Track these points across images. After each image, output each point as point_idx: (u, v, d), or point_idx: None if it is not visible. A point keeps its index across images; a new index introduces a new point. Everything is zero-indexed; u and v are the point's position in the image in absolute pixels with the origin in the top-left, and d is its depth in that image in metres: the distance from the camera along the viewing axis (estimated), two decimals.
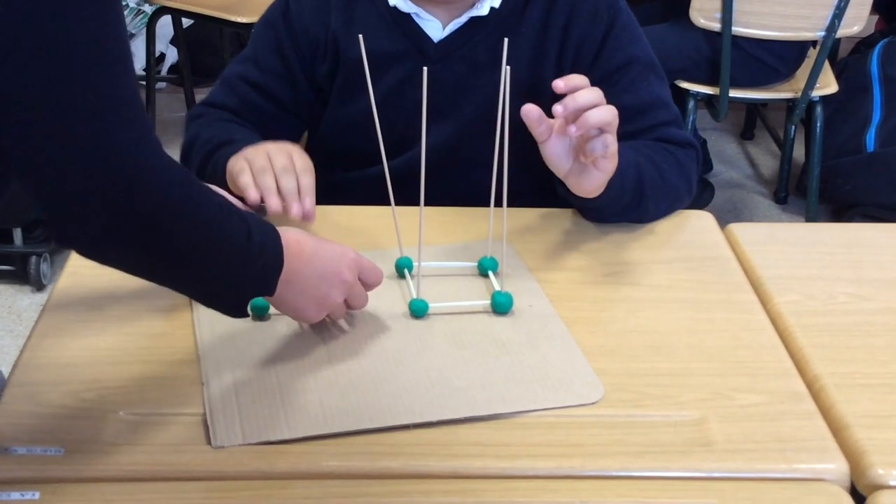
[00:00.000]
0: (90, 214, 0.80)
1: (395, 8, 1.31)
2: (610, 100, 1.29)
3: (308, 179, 1.17)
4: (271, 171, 1.16)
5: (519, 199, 1.19)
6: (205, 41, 3.68)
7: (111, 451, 0.92)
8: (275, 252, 0.95)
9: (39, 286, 2.57)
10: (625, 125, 1.30)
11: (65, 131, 0.77)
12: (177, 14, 3.23)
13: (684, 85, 2.70)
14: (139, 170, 0.80)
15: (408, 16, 1.32)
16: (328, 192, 1.29)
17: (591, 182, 1.16)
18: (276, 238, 0.96)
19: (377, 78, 1.23)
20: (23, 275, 2.58)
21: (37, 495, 0.87)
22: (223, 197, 0.93)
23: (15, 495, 0.87)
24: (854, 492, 0.94)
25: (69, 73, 0.75)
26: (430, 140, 1.31)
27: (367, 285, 1.07)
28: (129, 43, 0.81)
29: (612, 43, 1.34)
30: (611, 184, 1.18)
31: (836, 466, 0.94)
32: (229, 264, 0.91)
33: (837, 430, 0.98)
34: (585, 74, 1.32)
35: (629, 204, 1.26)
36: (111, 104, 0.78)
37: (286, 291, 0.98)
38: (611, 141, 1.11)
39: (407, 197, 1.16)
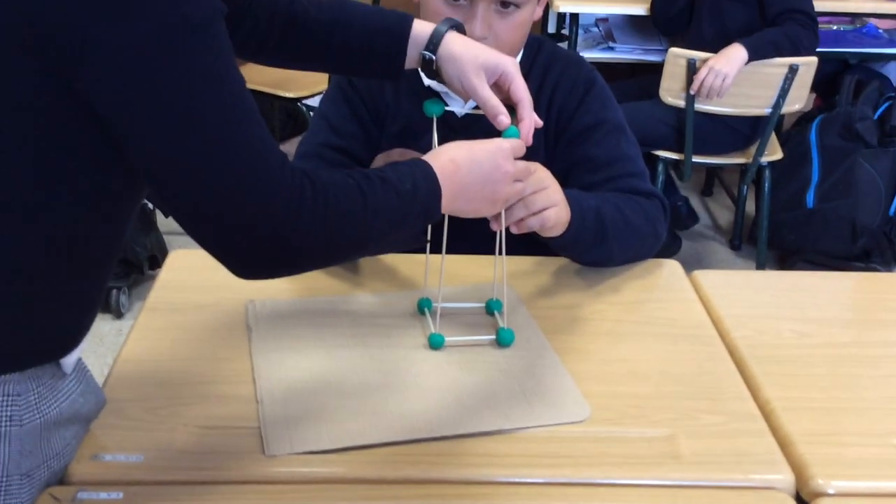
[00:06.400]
0: (278, 256, 0.82)
1: (429, 87, 1.30)
2: (581, 153, 1.30)
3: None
4: None
5: (519, 246, 1.19)
6: None
7: (182, 458, 0.92)
8: (429, 187, 0.91)
9: (119, 314, 2.56)
10: (593, 174, 1.32)
11: (222, 194, 0.77)
12: None
13: (656, 152, 2.70)
14: (283, 206, 0.79)
15: (437, 93, 1.31)
16: None
17: (546, 232, 1.16)
18: (428, 171, 0.91)
19: (414, 143, 1.23)
20: (105, 305, 2.58)
21: (120, 495, 0.88)
22: (363, 174, 0.88)
23: (102, 495, 0.88)
24: (799, 499, 0.94)
25: (211, 140, 0.76)
26: None
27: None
28: (248, 93, 0.80)
29: (585, 107, 1.34)
30: (571, 225, 1.17)
31: (784, 477, 0.94)
32: (393, 224, 0.88)
33: (785, 446, 0.98)
34: (562, 134, 1.34)
35: (593, 242, 1.23)
36: (247, 158, 0.78)
37: (456, 204, 0.95)
38: (537, 222, 1.10)
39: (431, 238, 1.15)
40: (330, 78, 1.44)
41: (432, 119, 1.12)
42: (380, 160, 1.21)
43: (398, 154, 1.21)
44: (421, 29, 1.05)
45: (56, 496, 0.87)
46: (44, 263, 0.81)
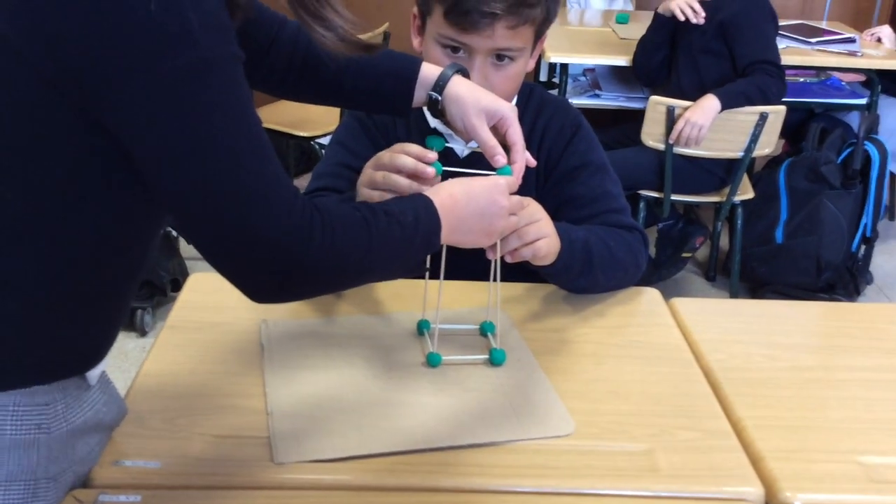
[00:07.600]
0: (280, 283, 0.80)
1: (434, 128, 1.30)
2: (569, 192, 1.29)
3: (410, 148, 1.05)
4: (384, 170, 1.06)
5: (512, 273, 1.19)
6: None
7: (197, 465, 0.92)
8: (429, 219, 0.90)
9: (143, 333, 2.56)
10: (579, 210, 1.32)
11: (235, 228, 0.76)
12: None
13: (640, 191, 2.71)
14: (294, 240, 0.78)
15: (442, 134, 1.31)
16: None
17: (538, 261, 1.16)
18: (428, 205, 0.91)
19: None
20: (130, 324, 2.57)
21: (139, 498, 0.87)
22: (368, 207, 0.86)
23: (122, 498, 0.87)
24: None
25: (227, 176, 0.75)
26: None
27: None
28: (263, 132, 0.79)
29: (572, 149, 1.35)
30: (560, 255, 1.17)
31: (754, 490, 0.93)
32: (396, 254, 0.87)
33: (755, 461, 0.98)
34: (551, 173, 1.34)
35: (581, 271, 1.23)
36: (262, 192, 0.76)
37: (455, 236, 0.94)
38: (530, 252, 1.10)
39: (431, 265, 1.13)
40: (341, 115, 1.44)
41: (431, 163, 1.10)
42: (370, 165, 1.17)
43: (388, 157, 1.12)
44: (429, 71, 1.06)
45: (79, 499, 0.86)
46: (71, 284, 0.81)
